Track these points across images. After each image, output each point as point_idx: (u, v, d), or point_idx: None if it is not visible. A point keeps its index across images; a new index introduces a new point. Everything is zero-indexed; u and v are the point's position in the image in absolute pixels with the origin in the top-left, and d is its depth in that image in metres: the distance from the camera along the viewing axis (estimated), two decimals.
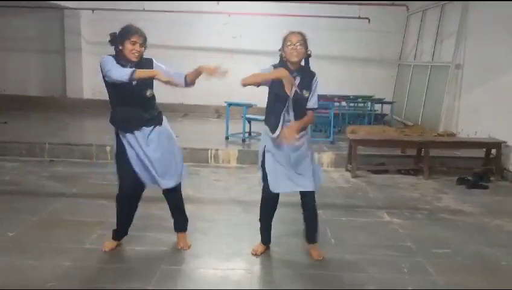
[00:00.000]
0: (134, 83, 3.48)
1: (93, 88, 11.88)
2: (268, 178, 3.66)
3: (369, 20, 10.76)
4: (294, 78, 3.54)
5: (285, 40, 3.55)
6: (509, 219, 4.99)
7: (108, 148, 7.03)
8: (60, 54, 12.10)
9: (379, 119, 10.62)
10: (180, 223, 3.97)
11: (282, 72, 3.41)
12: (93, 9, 11.20)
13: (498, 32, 7.38)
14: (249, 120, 8.15)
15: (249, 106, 8.15)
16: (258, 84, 3.56)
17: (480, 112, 7.82)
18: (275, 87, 3.53)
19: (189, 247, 3.93)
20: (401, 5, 10.69)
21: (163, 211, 4.14)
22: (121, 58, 3.50)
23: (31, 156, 7.10)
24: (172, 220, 3.98)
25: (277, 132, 3.57)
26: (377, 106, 10.91)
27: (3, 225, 4.26)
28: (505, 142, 6.80)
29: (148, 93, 3.64)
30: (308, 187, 3.68)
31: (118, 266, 3.58)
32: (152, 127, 3.66)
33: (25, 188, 5.63)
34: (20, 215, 4.56)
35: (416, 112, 9.86)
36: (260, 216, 3.93)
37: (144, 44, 3.54)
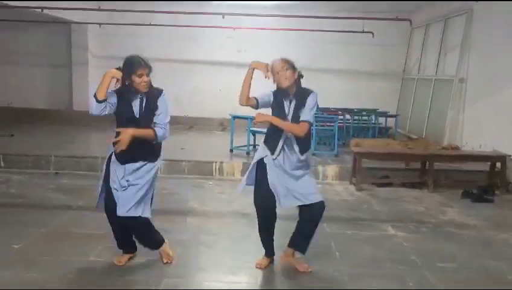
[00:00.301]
0: (138, 115, 3.53)
1: None
2: (261, 193, 3.74)
3: (373, 34, 10.82)
4: (291, 101, 3.66)
5: (272, 71, 3.64)
6: None
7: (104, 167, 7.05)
8: (66, 68, 12.24)
9: (383, 132, 10.63)
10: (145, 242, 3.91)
11: (254, 64, 3.62)
12: (100, 24, 11.34)
13: (501, 45, 7.41)
14: (254, 133, 8.18)
15: (253, 119, 8.16)
16: (256, 106, 3.71)
17: (484, 125, 7.82)
18: (275, 111, 3.69)
19: (171, 260, 3.88)
20: (404, 20, 10.75)
21: (167, 223, 4.16)
22: (129, 91, 3.53)
23: (37, 169, 7.14)
24: (176, 233, 3.98)
25: (276, 154, 3.67)
26: (381, 119, 10.93)
27: (9, 238, 4.28)
28: (509, 155, 6.79)
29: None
30: (314, 200, 3.68)
31: (122, 279, 3.58)
32: (142, 162, 3.62)
33: (30, 201, 5.66)
34: (25, 227, 4.59)
35: (421, 125, 9.86)
36: (258, 228, 3.92)
37: (149, 72, 3.53)
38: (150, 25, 10.65)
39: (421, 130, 9.77)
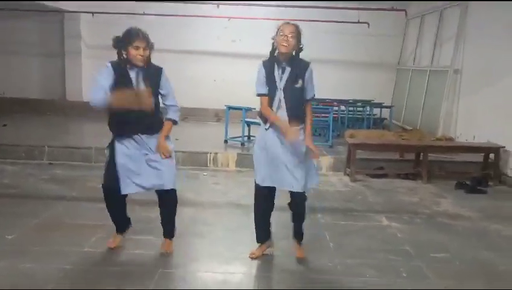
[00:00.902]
0: (135, 88, 3.49)
1: None
2: (256, 171, 3.69)
3: (369, 25, 10.79)
4: (284, 69, 3.54)
5: (278, 29, 3.56)
6: (507, 224, 5.00)
7: (107, 151, 7.03)
8: (59, 57, 12.12)
9: (378, 123, 10.65)
10: (169, 230, 3.96)
11: (285, 129, 3.45)
12: (93, 13, 11.22)
13: (496, 37, 7.41)
14: (248, 124, 8.16)
15: (248, 110, 8.16)
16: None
17: (478, 117, 7.84)
18: (267, 81, 3.57)
19: (171, 251, 3.91)
20: (400, 10, 10.72)
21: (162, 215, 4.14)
22: (126, 63, 3.49)
23: (30, 159, 7.11)
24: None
25: (267, 124, 3.60)
26: (376, 110, 10.94)
27: (2, 228, 4.25)
28: (503, 147, 6.82)
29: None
30: (296, 188, 3.60)
31: (117, 269, 3.58)
32: (150, 135, 3.65)
33: (24, 191, 5.63)
34: (19, 218, 4.56)
35: (415, 116, 9.88)
36: (254, 212, 3.87)
37: (147, 47, 3.48)
38: (144, 14, 10.56)
39: (416, 121, 9.78)
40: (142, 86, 3.51)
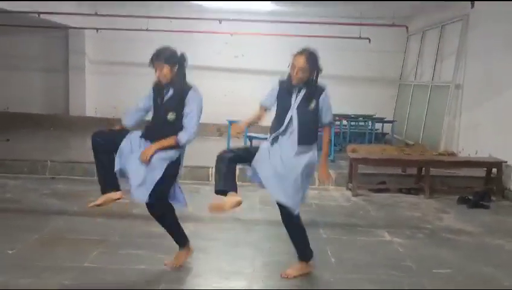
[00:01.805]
0: (160, 102, 3.67)
1: (95, 106, 11.98)
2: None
3: (370, 40, 10.85)
4: (300, 90, 3.62)
5: (292, 59, 3.61)
6: (510, 239, 4.97)
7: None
8: (63, 73, 12.23)
9: (380, 138, 10.65)
10: (175, 240, 3.94)
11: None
12: (97, 29, 11.35)
13: (497, 52, 7.44)
14: (250, 138, 8.18)
15: (249, 125, 8.16)
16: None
17: (480, 132, 7.84)
18: (279, 101, 3.68)
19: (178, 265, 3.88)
20: (401, 26, 10.79)
21: (162, 228, 4.12)
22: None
23: (32, 174, 7.12)
24: (172, 238, 3.96)
25: (272, 136, 3.67)
26: (378, 125, 10.95)
27: (3, 243, 4.25)
28: (505, 161, 6.81)
29: (169, 116, 3.65)
30: (281, 199, 3.57)
31: (118, 285, 3.56)
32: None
33: (26, 206, 5.64)
34: (20, 233, 4.56)
35: (417, 131, 9.88)
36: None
37: (165, 63, 3.61)
38: (147, 30, 10.66)
39: (418, 136, 9.78)
40: (168, 105, 3.66)
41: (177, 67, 3.68)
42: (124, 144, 3.62)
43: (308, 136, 3.65)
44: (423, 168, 6.96)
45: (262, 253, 4.29)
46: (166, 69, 3.61)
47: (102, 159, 3.68)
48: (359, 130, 10.64)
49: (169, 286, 3.59)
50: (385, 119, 10.78)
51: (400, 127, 10.81)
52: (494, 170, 6.88)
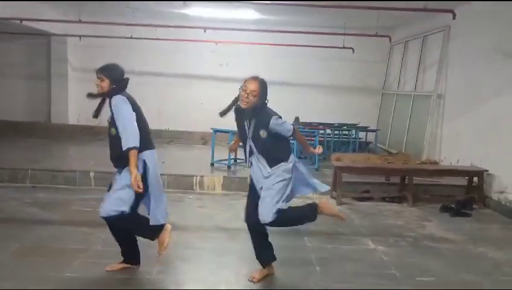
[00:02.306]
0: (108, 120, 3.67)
1: (78, 114, 11.85)
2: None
3: (353, 50, 10.97)
4: (250, 120, 3.68)
5: (243, 82, 3.66)
6: (492, 247, 5.02)
7: (92, 174, 6.97)
8: (45, 80, 12.09)
9: (363, 147, 10.73)
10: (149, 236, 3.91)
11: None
12: (80, 36, 11.26)
13: (478, 62, 7.58)
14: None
15: (234, 133, 8.16)
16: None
17: (462, 141, 7.95)
18: (238, 129, 3.85)
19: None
20: (384, 36, 10.94)
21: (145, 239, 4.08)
22: None
23: (13, 182, 7.00)
24: (155, 247, 3.92)
25: (248, 164, 3.84)
26: (362, 134, 11.05)
27: None
28: (486, 170, 6.90)
29: (111, 131, 3.63)
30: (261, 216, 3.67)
31: None
32: (121, 168, 3.67)
33: (6, 215, 5.52)
34: (0, 241, 4.47)
35: (400, 140, 9.98)
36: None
37: (102, 78, 3.63)
38: (131, 38, 10.61)
39: (401, 144, 9.88)
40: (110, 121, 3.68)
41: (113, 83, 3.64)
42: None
43: (273, 156, 3.73)
44: (406, 177, 7.02)
45: (246, 262, 4.26)
46: (99, 83, 3.65)
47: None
48: (343, 138, 10.71)
49: None
50: (369, 128, 10.88)
51: (384, 136, 10.91)
52: (476, 179, 6.97)
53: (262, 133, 3.67)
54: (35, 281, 3.65)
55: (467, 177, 7.14)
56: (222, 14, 10.38)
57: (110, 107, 3.59)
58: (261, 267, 3.92)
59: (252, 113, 3.66)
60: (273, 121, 3.64)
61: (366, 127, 10.85)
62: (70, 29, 11.07)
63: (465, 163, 7.59)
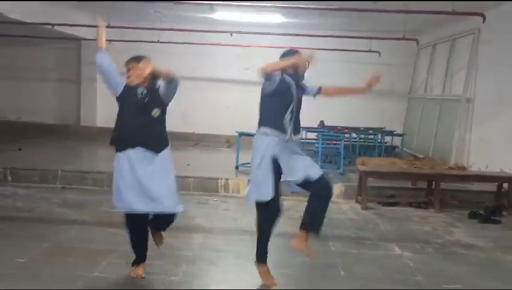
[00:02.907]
0: (140, 95, 3.65)
1: (106, 116, 12.07)
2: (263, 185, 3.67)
3: (380, 54, 10.88)
4: (297, 88, 3.82)
5: (306, 57, 3.89)
6: None
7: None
8: (75, 84, 12.39)
9: (389, 151, 10.61)
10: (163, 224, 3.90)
11: (297, 59, 3.78)
12: (110, 40, 11.47)
13: (508, 66, 7.43)
14: (240, 134, 8.20)
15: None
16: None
17: (491, 146, 7.79)
18: (282, 93, 3.74)
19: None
20: (411, 39, 10.81)
21: (171, 239, 4.16)
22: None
23: (43, 183, 7.18)
24: (180, 249, 3.97)
25: (288, 134, 3.71)
26: (388, 138, 10.92)
27: (13, 251, 4.28)
28: None
29: (154, 112, 3.65)
30: (317, 173, 3.66)
31: None
32: (151, 151, 3.62)
33: (36, 215, 5.68)
34: (30, 241, 4.59)
35: (427, 144, 9.84)
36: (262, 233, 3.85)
37: (137, 65, 3.78)
38: (159, 42, 10.78)
39: (428, 149, 9.74)
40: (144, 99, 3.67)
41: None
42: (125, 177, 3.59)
43: (298, 125, 3.88)
44: (433, 182, 6.91)
45: (270, 266, 4.26)
46: (134, 73, 3.73)
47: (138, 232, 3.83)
48: (369, 143, 10.62)
49: None
50: (395, 132, 10.75)
51: (410, 141, 10.78)
52: (506, 185, 6.82)
53: (301, 95, 3.88)
54: (65, 280, 3.74)
55: (496, 184, 6.98)
56: (248, 18, 10.44)
57: (148, 89, 3.67)
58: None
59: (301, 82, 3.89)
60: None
61: (392, 131, 10.73)
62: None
63: (494, 169, 7.44)
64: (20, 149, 9.22)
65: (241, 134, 8.44)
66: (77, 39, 11.54)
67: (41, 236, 4.76)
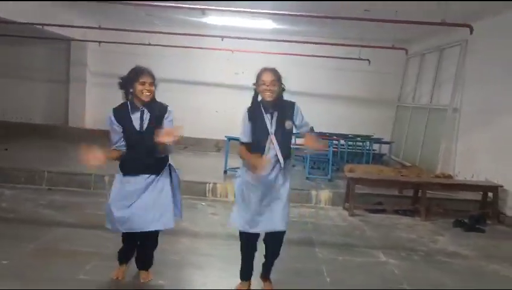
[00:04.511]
0: (143, 129, 3.54)
1: (94, 118, 12.02)
2: (236, 215, 3.69)
3: (369, 62, 10.97)
4: (272, 114, 3.57)
5: (258, 77, 3.56)
6: (506, 264, 4.97)
7: (106, 178, 7.05)
8: (64, 84, 12.29)
9: (377, 158, 10.68)
10: (147, 262, 3.93)
11: (257, 162, 3.45)
12: (99, 42, 11.44)
13: (495, 78, 7.53)
14: (229, 139, 8.22)
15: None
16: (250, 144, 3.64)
17: (477, 155, 7.88)
18: (255, 127, 3.58)
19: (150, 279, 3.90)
20: (400, 48, 10.91)
21: (162, 243, 4.12)
22: (133, 101, 3.54)
23: (29, 184, 7.11)
24: (167, 253, 3.96)
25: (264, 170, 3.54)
26: (376, 146, 11.00)
27: None
28: (501, 186, 6.84)
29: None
30: (279, 227, 3.59)
31: None
32: (151, 175, 3.63)
33: (21, 216, 5.62)
34: (15, 243, 4.54)
35: (414, 153, 9.93)
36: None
37: (153, 83, 3.53)
38: (149, 44, 10.75)
39: (415, 157, 9.83)
40: (145, 125, 3.55)
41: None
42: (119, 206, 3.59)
43: (287, 153, 3.65)
44: (419, 190, 6.98)
45: (256, 271, 4.27)
46: (152, 88, 3.54)
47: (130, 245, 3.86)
48: (357, 150, 10.69)
49: None
50: (383, 140, 10.84)
51: (398, 149, 10.86)
52: (490, 194, 6.90)
53: (288, 124, 3.57)
54: (51, 282, 3.71)
55: (481, 193, 7.07)
56: (239, 23, 10.46)
57: (152, 114, 3.56)
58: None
59: (274, 105, 3.56)
60: (296, 108, 3.60)
61: (380, 139, 10.81)
62: (90, 34, 11.25)
63: (479, 178, 7.53)
64: (6, 149, 9.11)
65: (230, 138, 8.45)
66: (67, 40, 11.46)
67: (26, 238, 4.71)
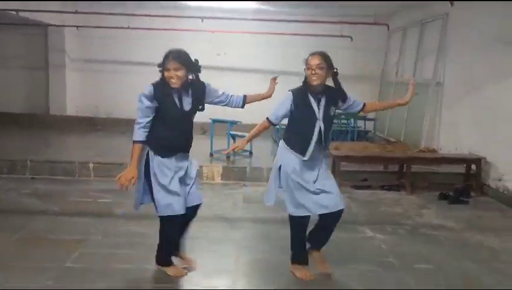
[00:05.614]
0: (188, 109, 3.49)
1: (76, 105, 11.84)
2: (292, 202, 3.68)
3: (352, 38, 10.94)
4: (320, 99, 3.57)
5: (305, 62, 3.57)
6: (489, 234, 5.06)
7: (91, 165, 6.98)
8: (43, 71, 12.03)
9: (362, 136, 10.73)
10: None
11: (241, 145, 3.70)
12: (77, 27, 11.20)
13: (477, 50, 7.56)
14: (234, 137, 8.17)
15: (233, 123, 8.20)
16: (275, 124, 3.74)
17: (460, 129, 7.96)
18: (300, 112, 3.56)
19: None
20: (382, 24, 10.90)
21: (146, 227, 4.12)
22: (166, 85, 3.41)
23: (12, 174, 7.01)
24: (155, 237, 3.93)
25: (307, 155, 3.57)
26: (360, 123, 11.04)
27: None
28: (484, 158, 6.93)
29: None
30: (341, 205, 3.67)
31: (99, 285, 3.53)
32: (187, 154, 3.70)
33: (5, 206, 5.54)
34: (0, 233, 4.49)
35: (399, 128, 9.99)
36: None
37: (182, 67, 3.40)
38: (128, 28, 10.56)
39: (400, 133, 9.89)
40: (187, 106, 3.50)
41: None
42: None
43: (328, 143, 3.72)
44: (404, 165, 7.04)
45: (246, 251, 4.29)
46: (179, 73, 3.41)
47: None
48: (342, 127, 10.71)
49: (152, 285, 3.57)
50: (367, 117, 10.87)
51: (382, 125, 10.91)
52: (474, 167, 7.00)
53: (332, 111, 3.59)
54: (38, 271, 3.68)
55: (465, 165, 7.16)
56: (220, 4, 10.33)
57: (194, 95, 3.54)
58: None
59: (323, 90, 3.56)
60: (342, 91, 3.66)
61: (365, 116, 10.84)
62: (67, 19, 11.00)
63: (463, 151, 7.61)
64: None
65: (215, 121, 8.40)
66: (44, 25, 11.19)
67: (10, 227, 4.65)
